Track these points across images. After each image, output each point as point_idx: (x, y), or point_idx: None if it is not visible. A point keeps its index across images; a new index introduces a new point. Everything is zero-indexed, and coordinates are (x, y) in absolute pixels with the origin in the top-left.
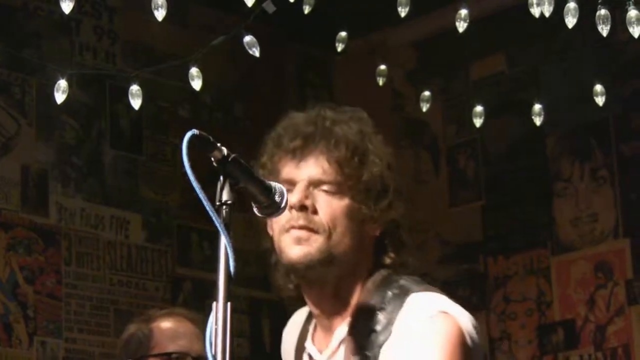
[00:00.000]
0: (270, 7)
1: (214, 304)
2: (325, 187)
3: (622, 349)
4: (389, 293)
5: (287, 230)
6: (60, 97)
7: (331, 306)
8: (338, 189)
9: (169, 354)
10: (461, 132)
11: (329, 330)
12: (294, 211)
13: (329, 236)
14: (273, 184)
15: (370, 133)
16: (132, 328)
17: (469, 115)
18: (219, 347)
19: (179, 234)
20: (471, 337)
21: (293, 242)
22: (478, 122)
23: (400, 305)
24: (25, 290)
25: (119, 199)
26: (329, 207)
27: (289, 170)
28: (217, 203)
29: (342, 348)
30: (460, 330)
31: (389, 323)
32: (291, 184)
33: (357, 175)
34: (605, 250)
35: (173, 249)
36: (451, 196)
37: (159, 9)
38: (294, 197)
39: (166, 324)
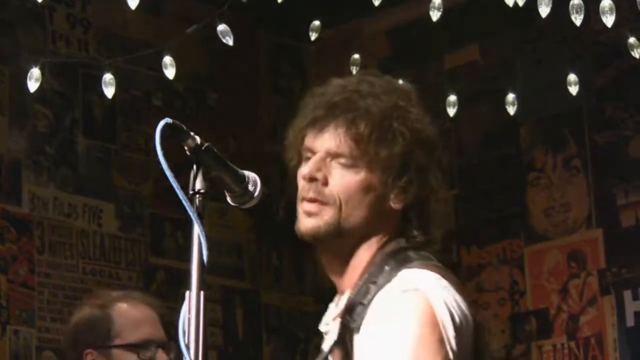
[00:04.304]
0: None
1: (187, 293)
2: (342, 160)
3: (594, 338)
4: (386, 267)
5: (301, 201)
6: (33, 85)
7: (341, 273)
8: (354, 163)
9: (134, 345)
10: (434, 121)
11: (341, 294)
12: (305, 182)
13: (340, 209)
14: (246, 172)
15: (405, 108)
16: (86, 312)
17: (443, 105)
18: (192, 336)
19: (152, 223)
20: (452, 316)
21: (304, 215)
22: (452, 111)
23: (389, 280)
24: None
25: (92, 188)
26: (343, 179)
27: (309, 139)
28: (190, 192)
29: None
30: (428, 307)
31: (374, 297)
32: (311, 152)
33: (375, 152)
34: (579, 240)
35: (146, 239)
36: None
37: None
38: (305, 168)
39: (125, 309)
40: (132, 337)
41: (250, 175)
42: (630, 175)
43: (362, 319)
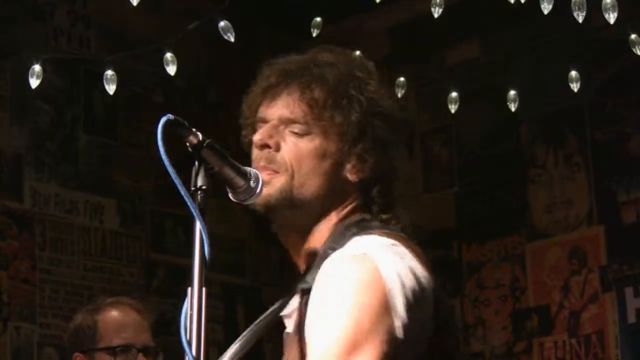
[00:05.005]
0: None
1: (189, 289)
2: (295, 128)
3: (596, 335)
4: (347, 233)
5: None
6: (34, 82)
7: (300, 250)
8: (308, 130)
9: (113, 348)
10: (435, 118)
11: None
12: (257, 150)
13: (292, 176)
14: (248, 169)
15: (362, 78)
16: (78, 319)
17: (444, 102)
18: (194, 332)
19: (154, 219)
20: (403, 284)
21: None
22: (453, 108)
23: (345, 244)
24: None
25: (93, 184)
26: (296, 146)
27: (262, 108)
28: (192, 188)
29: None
30: (374, 273)
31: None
32: (264, 122)
33: (330, 118)
34: (580, 237)
35: (147, 235)
36: (425, 182)
37: None
38: (257, 135)
39: (111, 315)
40: (113, 341)
41: (252, 171)
42: (631, 172)
43: (313, 279)
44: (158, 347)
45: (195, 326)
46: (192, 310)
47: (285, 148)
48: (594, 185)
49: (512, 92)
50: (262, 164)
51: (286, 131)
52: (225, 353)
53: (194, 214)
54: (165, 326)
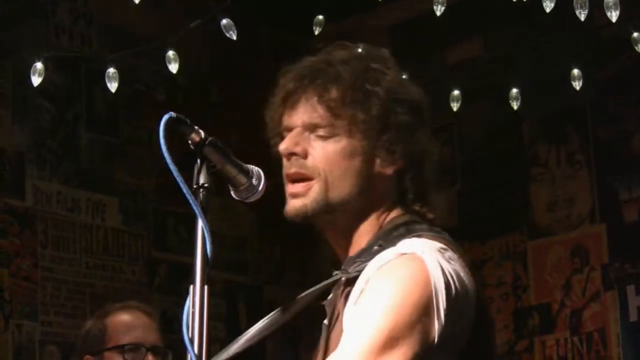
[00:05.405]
0: None
1: (191, 287)
2: (320, 132)
3: (597, 333)
4: (395, 233)
5: (286, 182)
6: (36, 80)
7: (348, 248)
8: (332, 131)
9: (122, 346)
10: (437, 116)
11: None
12: (285, 160)
13: (325, 181)
14: (250, 167)
15: (378, 70)
16: (88, 324)
17: (446, 100)
18: (196, 330)
19: (156, 217)
20: (448, 285)
21: (290, 197)
22: (455, 106)
23: (394, 244)
24: (0, 273)
25: (95, 182)
26: (324, 150)
27: (285, 117)
28: (194, 186)
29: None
30: (423, 271)
31: (374, 256)
32: (289, 130)
33: (351, 116)
34: (582, 235)
35: (149, 233)
36: None
37: None
38: (283, 144)
39: (120, 317)
40: (122, 340)
41: (254, 169)
42: (633, 170)
43: (357, 272)
44: (166, 347)
45: (197, 324)
46: (194, 308)
47: (313, 153)
48: (596, 183)
49: (514, 91)
50: (293, 170)
51: (312, 136)
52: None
53: (196, 211)
54: (168, 324)
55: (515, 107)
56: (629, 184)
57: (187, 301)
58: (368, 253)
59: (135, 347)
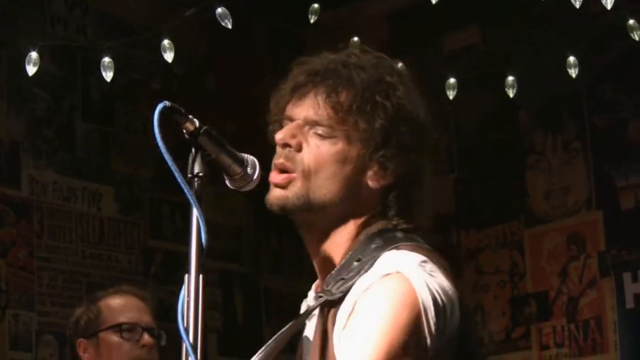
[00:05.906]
0: None
1: (186, 276)
2: (319, 130)
3: (594, 320)
4: (372, 245)
5: (272, 169)
6: (31, 69)
7: (319, 254)
8: (331, 133)
9: (119, 325)
10: (430, 107)
11: (322, 275)
12: (279, 148)
13: (308, 179)
14: (245, 156)
15: (391, 83)
16: (78, 311)
17: (442, 88)
18: (191, 319)
19: (151, 206)
20: (435, 299)
21: (272, 184)
22: (451, 94)
23: (374, 258)
24: None
25: (91, 171)
26: (317, 149)
27: (290, 106)
28: (189, 175)
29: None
30: (408, 290)
31: (357, 274)
32: (290, 120)
33: (354, 123)
34: (578, 222)
35: (145, 222)
36: None
37: None
38: (279, 134)
39: (114, 300)
40: (118, 319)
41: (249, 158)
42: (629, 157)
43: (341, 292)
44: (160, 329)
45: (193, 313)
46: (189, 297)
47: (306, 149)
48: (593, 171)
49: (510, 78)
50: (280, 160)
51: (310, 132)
52: None
53: (191, 201)
54: (163, 313)
55: (511, 95)
56: (625, 172)
57: (183, 290)
58: (348, 270)
59: (131, 327)
